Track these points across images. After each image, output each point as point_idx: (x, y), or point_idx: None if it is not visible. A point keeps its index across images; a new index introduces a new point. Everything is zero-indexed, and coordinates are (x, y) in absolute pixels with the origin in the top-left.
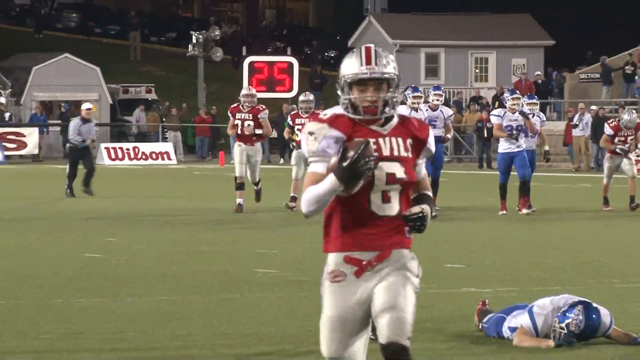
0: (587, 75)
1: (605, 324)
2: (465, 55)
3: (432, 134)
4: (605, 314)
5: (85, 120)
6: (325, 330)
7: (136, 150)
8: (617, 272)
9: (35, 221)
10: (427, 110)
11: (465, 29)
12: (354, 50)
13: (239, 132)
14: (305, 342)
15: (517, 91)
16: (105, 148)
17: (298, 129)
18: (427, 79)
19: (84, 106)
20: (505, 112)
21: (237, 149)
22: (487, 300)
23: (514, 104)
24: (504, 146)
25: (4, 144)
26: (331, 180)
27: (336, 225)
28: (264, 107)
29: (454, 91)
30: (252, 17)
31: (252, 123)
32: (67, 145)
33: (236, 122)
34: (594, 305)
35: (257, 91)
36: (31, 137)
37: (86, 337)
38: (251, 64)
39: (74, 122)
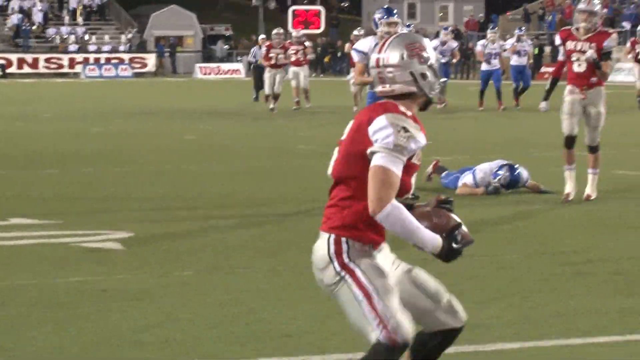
0: (514, 16)
1: (523, 179)
2: (432, 4)
3: None
4: (524, 172)
5: (260, 47)
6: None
7: (219, 68)
8: (532, 145)
9: (155, 114)
10: (439, 43)
11: None
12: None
13: (273, 62)
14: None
15: (496, 27)
16: (199, 66)
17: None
18: (408, 20)
19: (261, 36)
20: (487, 43)
21: (268, 73)
22: (439, 160)
23: (492, 37)
24: (484, 66)
25: (132, 64)
26: (433, 242)
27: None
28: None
29: (426, 28)
30: None
31: (282, 55)
32: (252, 66)
33: (271, 55)
34: (516, 166)
35: (297, 29)
36: (150, 60)
37: (188, 195)
38: (293, 11)
39: (253, 49)
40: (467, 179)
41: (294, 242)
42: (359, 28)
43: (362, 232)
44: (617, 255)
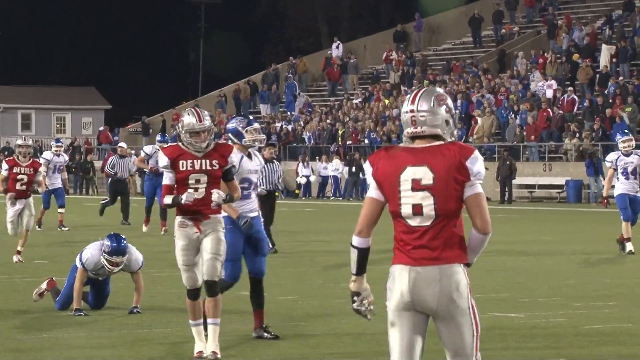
0: (134, 129)
1: (131, 252)
2: (50, 115)
3: None
4: (135, 253)
5: (121, 157)
6: None
7: None
8: None
9: None
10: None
11: (50, 97)
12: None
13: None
14: None
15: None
16: None
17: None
18: (22, 132)
19: (120, 144)
20: (155, 151)
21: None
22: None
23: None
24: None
25: None
26: None
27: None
28: None
29: (41, 140)
30: None
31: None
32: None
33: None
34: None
35: None
36: None
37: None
38: None
39: (111, 158)
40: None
41: None
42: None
43: None
44: None
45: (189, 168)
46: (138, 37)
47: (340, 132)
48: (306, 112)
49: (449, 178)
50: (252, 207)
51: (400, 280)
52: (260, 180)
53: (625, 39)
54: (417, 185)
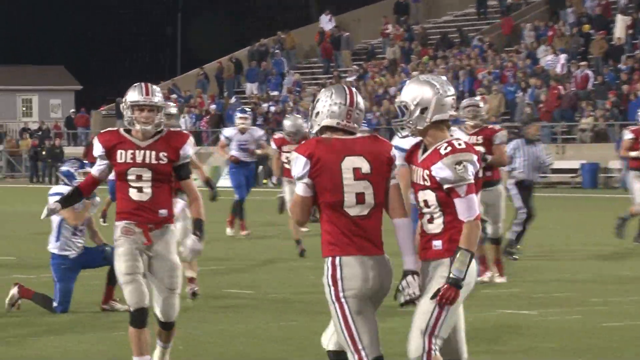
0: (107, 112)
1: None
2: (14, 96)
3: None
4: None
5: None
6: None
7: None
8: None
9: None
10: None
11: (15, 77)
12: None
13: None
14: None
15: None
16: None
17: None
18: None
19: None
20: (236, 133)
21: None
22: None
23: (242, 123)
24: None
25: None
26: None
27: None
28: None
29: (6, 125)
30: None
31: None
32: None
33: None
34: None
35: None
36: None
37: None
38: None
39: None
40: None
41: None
42: None
43: None
44: None
45: (128, 160)
46: (110, 11)
47: None
48: (294, 92)
49: (382, 168)
50: None
51: (359, 270)
52: (520, 165)
53: None
54: (358, 174)
